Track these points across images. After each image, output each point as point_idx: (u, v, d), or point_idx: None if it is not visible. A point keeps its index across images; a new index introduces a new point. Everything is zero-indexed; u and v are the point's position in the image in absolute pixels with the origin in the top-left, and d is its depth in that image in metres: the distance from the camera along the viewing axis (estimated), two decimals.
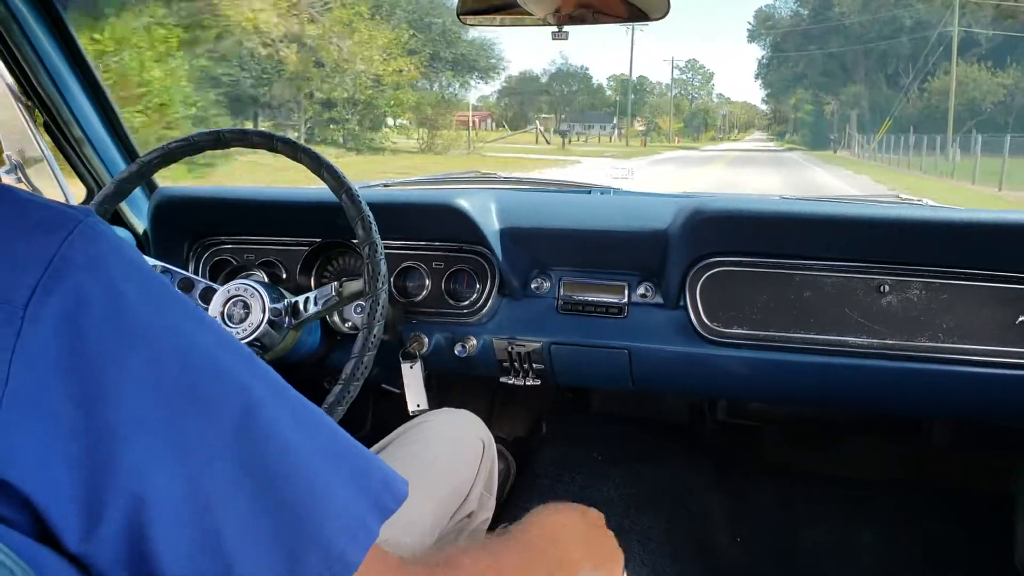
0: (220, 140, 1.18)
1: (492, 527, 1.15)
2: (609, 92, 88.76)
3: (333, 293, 1.17)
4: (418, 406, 1.38)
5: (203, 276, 1.52)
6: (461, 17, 1.19)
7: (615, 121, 72.42)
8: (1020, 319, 1.17)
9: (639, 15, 1.09)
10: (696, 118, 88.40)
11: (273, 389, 0.50)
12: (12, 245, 0.43)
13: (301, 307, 1.19)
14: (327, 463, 0.50)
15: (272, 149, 1.17)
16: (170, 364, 0.45)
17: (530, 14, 1.08)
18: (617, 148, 43.71)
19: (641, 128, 69.87)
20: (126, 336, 0.44)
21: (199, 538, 0.44)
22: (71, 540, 0.43)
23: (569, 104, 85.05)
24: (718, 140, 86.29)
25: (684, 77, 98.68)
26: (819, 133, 55.68)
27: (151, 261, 1.26)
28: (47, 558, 0.43)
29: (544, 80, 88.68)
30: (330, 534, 0.47)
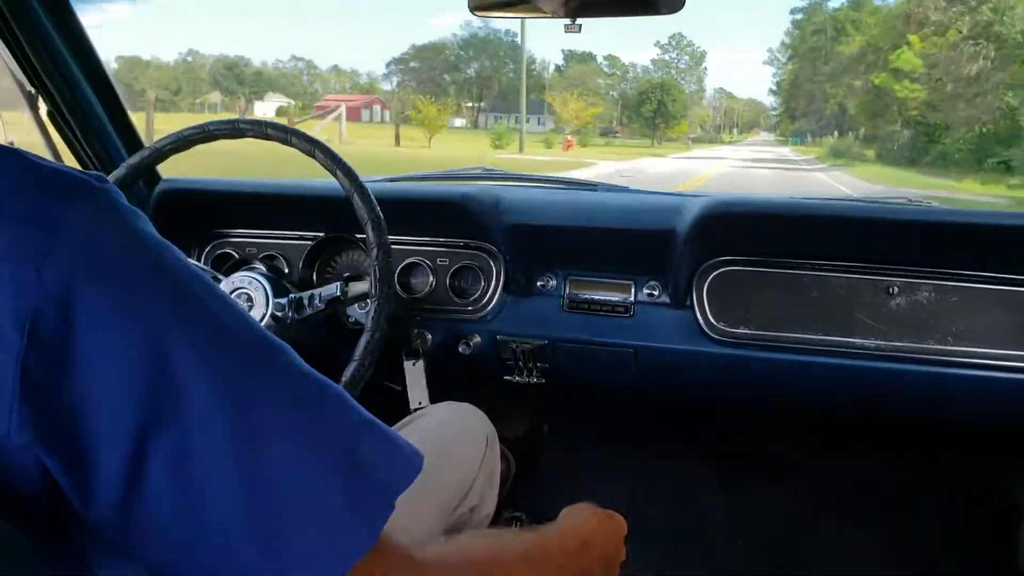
0: (236, 130, 1.18)
1: (493, 523, 1.15)
2: (566, 71, 72.75)
3: (337, 292, 1.17)
4: (420, 403, 1.38)
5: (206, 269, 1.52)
6: (474, 11, 1.18)
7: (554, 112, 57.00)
8: None
9: (651, 8, 1.08)
10: (655, 108, 63.49)
11: (289, 363, 0.49)
12: (22, 206, 0.42)
13: (305, 303, 1.18)
14: (346, 433, 0.49)
15: (286, 143, 1.16)
16: (183, 328, 0.44)
17: (542, 9, 1.08)
18: (514, 153, 29.08)
19: (570, 129, 50.52)
20: (118, 314, 0.43)
21: (220, 505, 0.43)
22: (85, 510, 0.42)
23: (488, 87, 70.89)
24: (704, 143, 67.16)
25: (666, 57, 78.39)
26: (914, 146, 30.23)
27: None
28: (59, 546, 0.44)
29: (454, 50, 71.29)
30: (353, 497, 0.47)
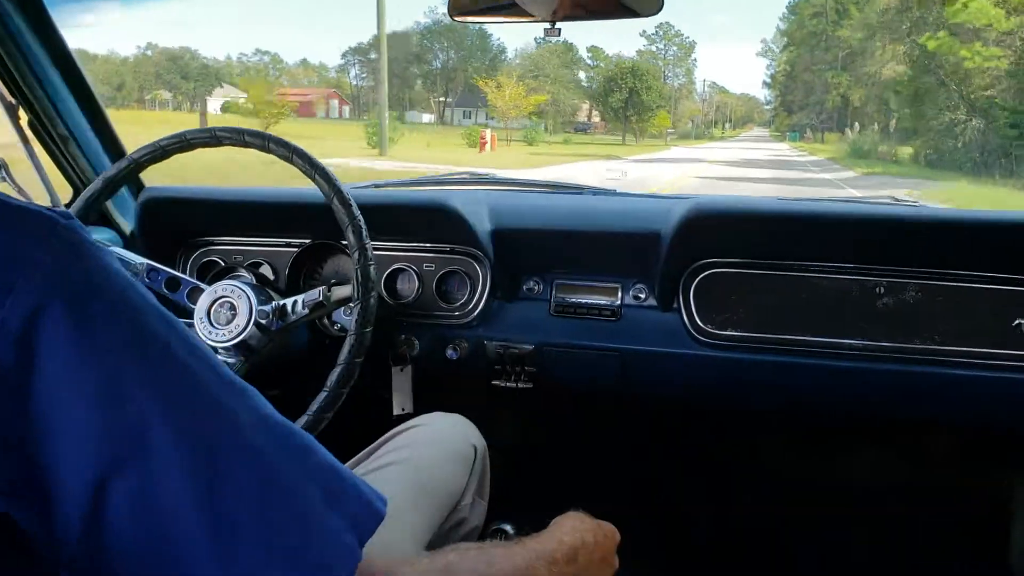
0: (214, 138, 1.17)
1: (483, 533, 1.14)
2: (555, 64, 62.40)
3: (320, 298, 1.16)
4: (403, 409, 1.37)
5: (191, 277, 1.50)
6: (453, 17, 1.18)
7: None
8: (1017, 321, 1.17)
9: (630, 12, 1.08)
10: (626, 98, 54.44)
11: (253, 407, 0.49)
12: None
13: (289, 310, 1.17)
14: (307, 482, 0.48)
15: (265, 149, 1.15)
16: (144, 368, 0.44)
17: (525, 13, 1.07)
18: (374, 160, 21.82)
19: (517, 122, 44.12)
20: (81, 351, 0.42)
21: (177, 548, 0.42)
22: (41, 544, 0.42)
23: (451, 80, 64.64)
24: (690, 139, 60.80)
25: (653, 48, 71.84)
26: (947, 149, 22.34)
27: (138, 258, 1.24)
28: (21, 566, 0.43)
29: (418, 40, 64.34)
30: (316, 551, 0.46)
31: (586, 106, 65.71)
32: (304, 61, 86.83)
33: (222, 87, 62.22)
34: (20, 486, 0.41)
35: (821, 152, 39.01)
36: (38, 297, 0.41)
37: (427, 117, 63.47)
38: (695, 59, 76.67)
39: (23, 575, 0.44)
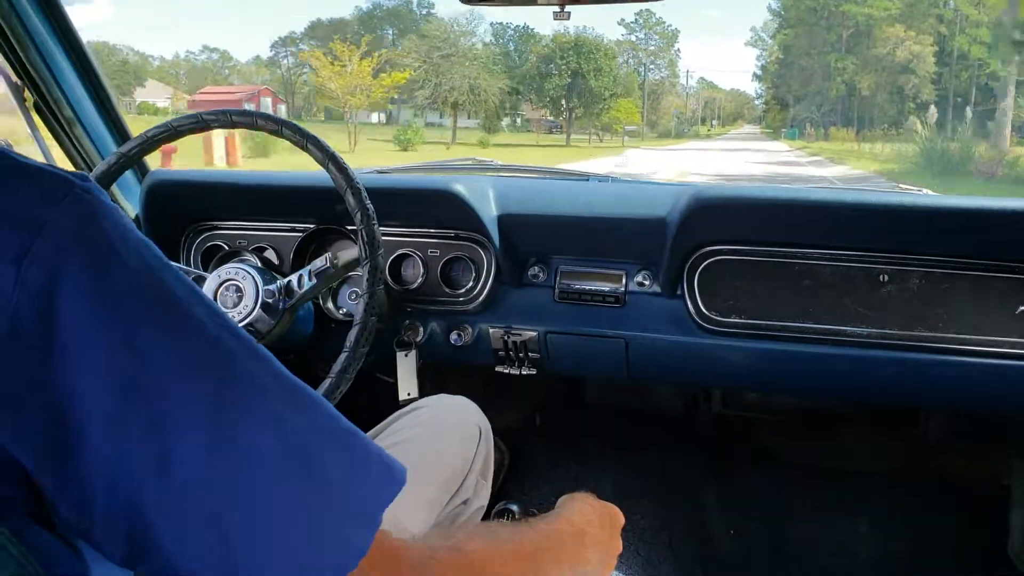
0: (228, 121, 1.17)
1: (487, 515, 1.15)
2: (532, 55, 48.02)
3: (328, 264, 1.15)
4: (408, 394, 1.37)
5: (196, 262, 1.51)
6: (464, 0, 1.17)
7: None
8: (1020, 309, 1.17)
9: None
10: (567, 84, 42.17)
11: (270, 373, 0.49)
12: (5, 205, 0.42)
13: (295, 285, 1.17)
14: (326, 448, 0.48)
15: (278, 134, 1.15)
16: (164, 329, 0.44)
17: None
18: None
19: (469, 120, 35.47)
20: (108, 309, 0.43)
21: (199, 516, 0.42)
22: (67, 515, 0.42)
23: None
24: (666, 138, 51.01)
25: (632, 38, 61.04)
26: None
27: None
28: (43, 537, 0.43)
29: (353, 27, 53.23)
30: (333, 521, 0.46)
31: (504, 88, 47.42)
32: (257, 58, 75.18)
33: (144, 86, 58.59)
34: (45, 451, 0.41)
35: (827, 152, 29.62)
36: (56, 258, 0.41)
37: (374, 117, 53.11)
38: (678, 49, 68.75)
39: (44, 544, 0.45)
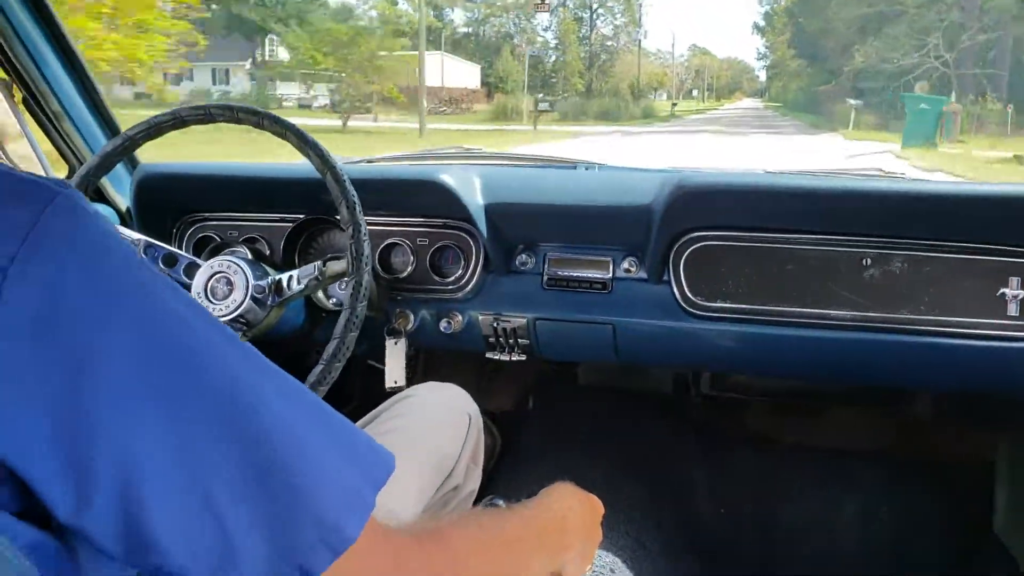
0: (207, 115, 1.18)
1: (478, 500, 1.17)
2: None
3: (315, 273, 1.17)
4: (395, 383, 1.39)
5: (188, 252, 1.52)
6: None
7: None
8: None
9: None
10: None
11: (255, 364, 0.50)
12: None
13: (284, 285, 1.19)
14: (315, 434, 0.50)
15: (259, 126, 1.16)
16: (151, 334, 0.45)
17: None
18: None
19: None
20: (103, 306, 0.44)
21: (193, 506, 0.44)
22: (63, 513, 0.43)
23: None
24: (633, 119, 31.65)
25: None
26: None
27: (135, 235, 1.26)
28: (34, 536, 0.44)
29: None
30: (325, 505, 0.48)
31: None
32: None
33: None
34: (50, 447, 0.42)
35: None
36: (40, 267, 0.42)
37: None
38: (641, 4, 47.08)
39: (38, 545, 0.46)
